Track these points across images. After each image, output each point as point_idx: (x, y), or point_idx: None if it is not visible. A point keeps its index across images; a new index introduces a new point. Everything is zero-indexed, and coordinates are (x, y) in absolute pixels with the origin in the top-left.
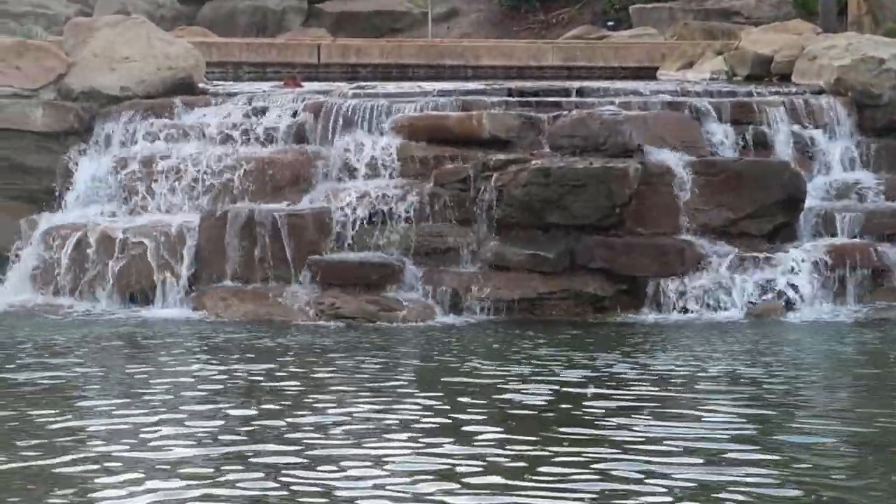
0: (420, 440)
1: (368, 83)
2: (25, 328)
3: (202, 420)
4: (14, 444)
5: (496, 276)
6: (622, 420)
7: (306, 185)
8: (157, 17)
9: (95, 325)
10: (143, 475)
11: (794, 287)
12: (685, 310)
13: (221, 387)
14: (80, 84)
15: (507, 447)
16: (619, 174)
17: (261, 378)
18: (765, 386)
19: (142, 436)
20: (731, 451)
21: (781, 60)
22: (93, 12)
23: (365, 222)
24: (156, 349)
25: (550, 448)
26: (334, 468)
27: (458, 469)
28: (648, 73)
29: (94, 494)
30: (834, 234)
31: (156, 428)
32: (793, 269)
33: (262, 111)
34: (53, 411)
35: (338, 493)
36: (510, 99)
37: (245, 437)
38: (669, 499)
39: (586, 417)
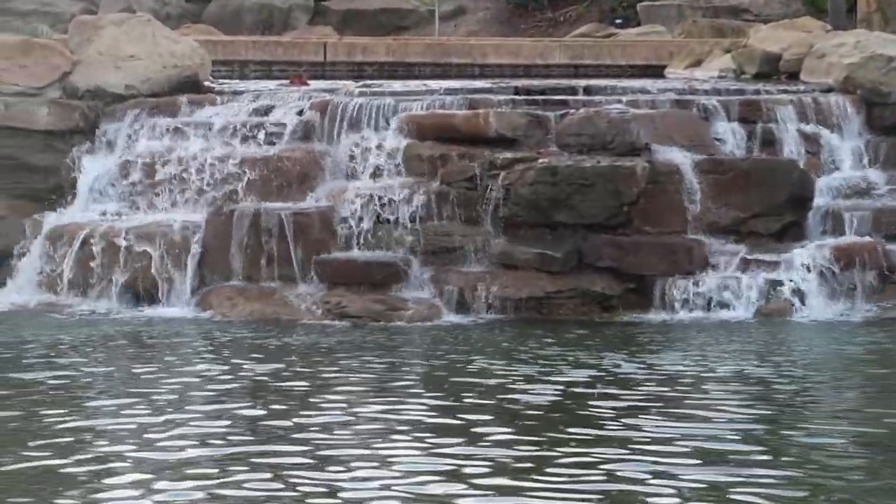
0: (427, 440)
1: (375, 81)
2: (31, 328)
3: (209, 420)
4: (20, 444)
5: (503, 275)
6: (630, 420)
7: (312, 183)
8: (163, 15)
9: (101, 325)
10: (149, 475)
11: (802, 286)
12: (693, 309)
13: (228, 386)
14: (86, 82)
15: (515, 447)
16: (627, 173)
17: (267, 378)
18: (773, 386)
19: (148, 436)
20: (740, 451)
21: (790, 58)
22: (98, 10)
23: (371, 221)
24: (162, 349)
25: (558, 448)
26: (341, 468)
27: (465, 469)
28: (656, 72)
29: (101, 494)
30: (842, 234)
31: (162, 428)
32: (801, 268)
33: (268, 110)
34: (60, 411)
35: (345, 493)
36: (517, 97)
37: (252, 438)
38: (677, 499)
39: (594, 417)
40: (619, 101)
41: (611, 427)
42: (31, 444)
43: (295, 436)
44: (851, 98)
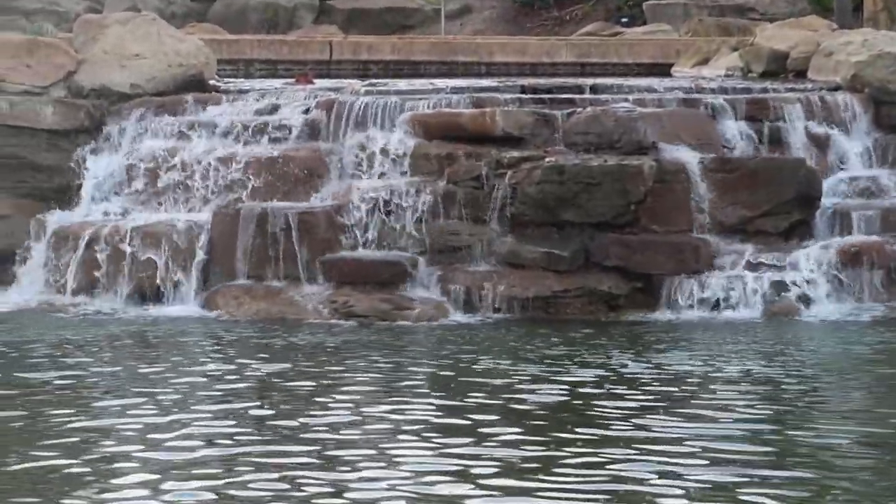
0: (434, 440)
1: (380, 80)
2: (36, 327)
3: (215, 420)
4: (26, 444)
5: (510, 274)
6: (637, 420)
7: (318, 182)
8: (168, 13)
9: (107, 324)
10: (156, 475)
11: (809, 286)
12: (700, 308)
13: (234, 386)
14: (91, 81)
15: (522, 447)
16: (634, 172)
17: (274, 377)
18: (781, 386)
19: (155, 436)
20: (747, 451)
21: (797, 57)
22: (103, 9)
23: (377, 221)
24: (168, 348)
25: (565, 448)
26: (348, 468)
27: (472, 470)
28: (663, 70)
29: (107, 495)
30: (850, 232)
31: (169, 428)
32: (809, 267)
33: (274, 108)
34: (66, 411)
35: (351, 493)
36: (524, 96)
37: (258, 438)
38: (685, 500)
39: (601, 417)
40: (626, 100)
41: (618, 427)
42: (36, 443)
43: (302, 436)
44: (859, 96)
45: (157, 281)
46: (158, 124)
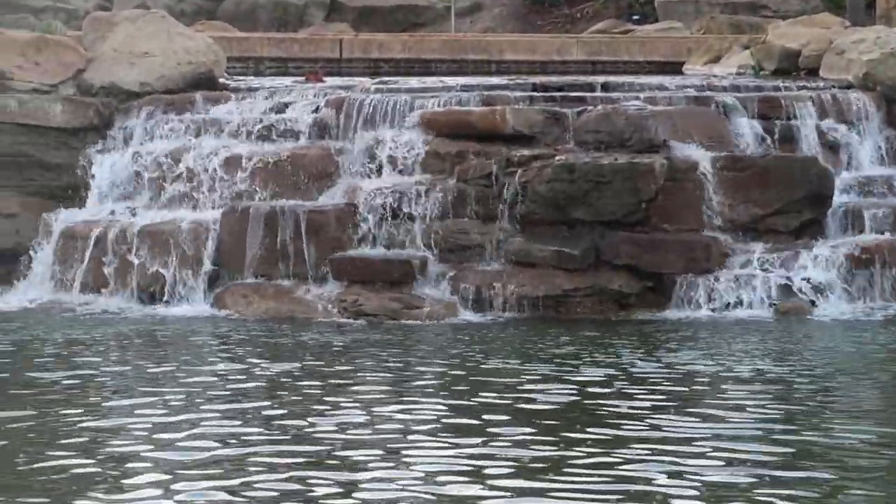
0: (444, 440)
1: (391, 78)
2: (44, 326)
3: (225, 419)
4: (36, 444)
5: (520, 272)
6: (648, 420)
7: (328, 181)
8: (177, 11)
9: (115, 323)
10: (166, 475)
11: (821, 284)
12: (711, 307)
13: (243, 385)
14: (100, 79)
15: (532, 447)
16: (645, 170)
17: (283, 377)
18: (792, 385)
19: (164, 435)
20: (759, 451)
21: (809, 55)
22: (112, 7)
23: (387, 219)
24: (177, 347)
25: (575, 448)
26: (357, 468)
27: (483, 470)
28: (674, 68)
29: (117, 495)
30: (862, 231)
31: (178, 427)
32: (820, 266)
33: (284, 106)
34: (75, 410)
35: (361, 493)
36: (534, 94)
37: (268, 437)
38: (696, 500)
39: (611, 417)
40: (637, 98)
41: (629, 427)
42: (46, 443)
43: (311, 435)
44: (871, 94)
45: (166, 280)
46: (168, 122)
